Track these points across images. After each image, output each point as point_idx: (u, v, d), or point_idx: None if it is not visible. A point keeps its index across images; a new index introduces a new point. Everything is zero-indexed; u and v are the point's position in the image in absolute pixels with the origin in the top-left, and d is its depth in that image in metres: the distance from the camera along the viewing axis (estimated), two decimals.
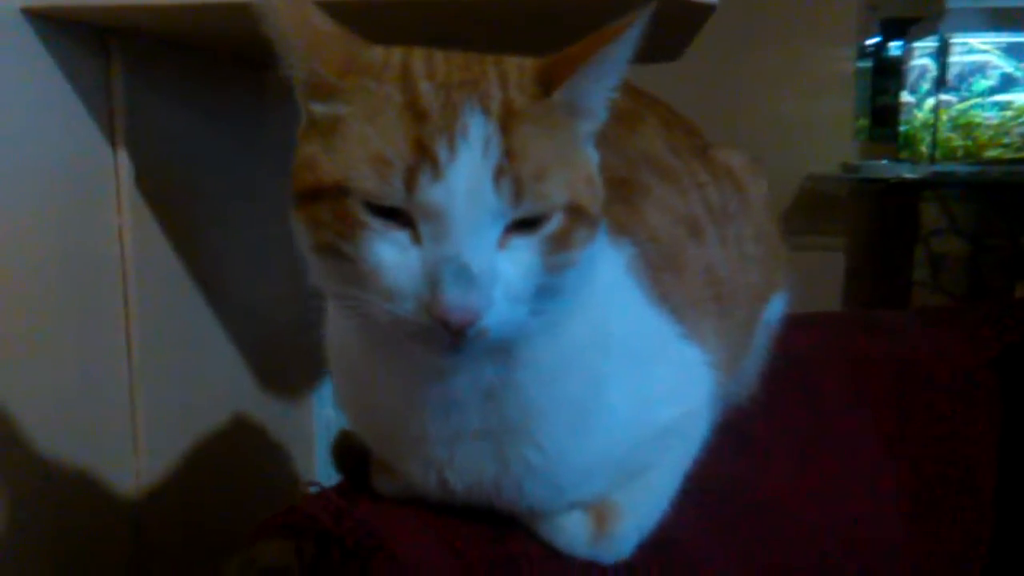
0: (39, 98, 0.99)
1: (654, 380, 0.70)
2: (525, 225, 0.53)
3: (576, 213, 0.54)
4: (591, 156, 0.59)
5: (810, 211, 2.95)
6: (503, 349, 0.58)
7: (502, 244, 0.52)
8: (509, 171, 0.51)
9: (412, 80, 0.53)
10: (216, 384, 1.23)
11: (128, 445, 1.10)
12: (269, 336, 1.36)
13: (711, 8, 0.95)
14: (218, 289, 1.22)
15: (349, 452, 0.72)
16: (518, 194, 0.51)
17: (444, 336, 0.51)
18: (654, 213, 0.76)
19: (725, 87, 2.85)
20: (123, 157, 1.09)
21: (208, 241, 1.22)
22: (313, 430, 1.55)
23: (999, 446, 1.07)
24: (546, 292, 0.54)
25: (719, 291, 0.78)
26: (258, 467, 1.34)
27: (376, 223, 0.51)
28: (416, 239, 0.52)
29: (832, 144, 2.94)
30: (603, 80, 0.56)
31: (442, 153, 0.50)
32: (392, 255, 0.52)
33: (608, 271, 0.67)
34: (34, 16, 0.96)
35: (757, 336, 0.90)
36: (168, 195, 1.14)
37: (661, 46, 1.24)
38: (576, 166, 0.56)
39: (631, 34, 0.53)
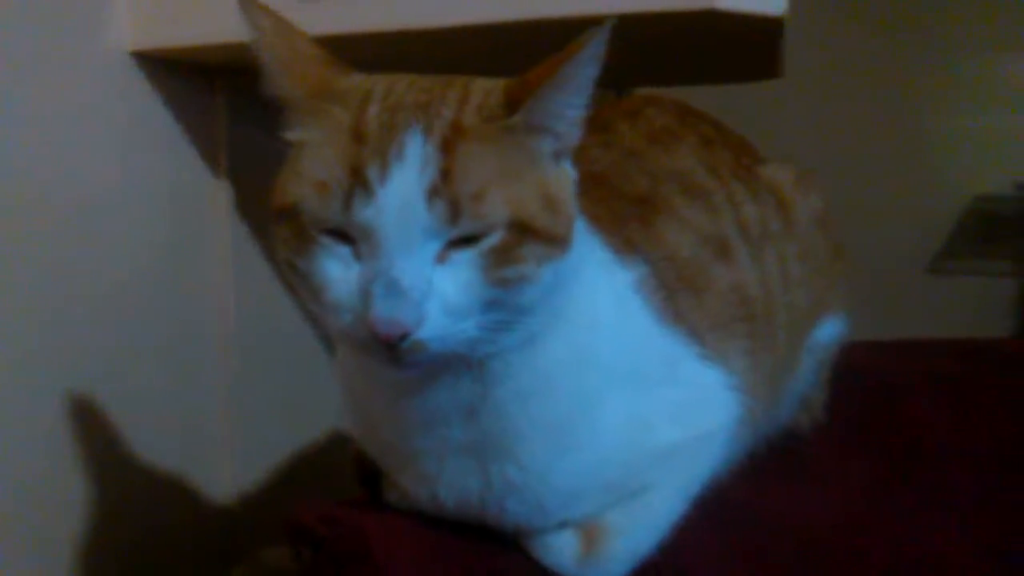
0: (149, 135, 1.09)
1: (658, 401, 0.68)
2: (466, 241, 0.53)
3: (522, 229, 0.54)
4: (563, 174, 0.59)
5: (981, 233, 2.75)
6: (476, 364, 0.59)
7: (442, 259, 0.53)
8: (444, 191, 0.52)
9: (365, 105, 0.56)
10: (311, 400, 1.30)
11: (225, 452, 1.18)
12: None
13: (779, 21, 0.92)
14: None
15: (365, 465, 0.74)
16: (454, 213, 0.52)
17: (381, 349, 0.53)
18: (675, 232, 0.74)
19: (890, 103, 2.71)
20: (225, 186, 1.18)
21: None
22: None
23: None
24: (500, 306, 0.55)
25: (749, 312, 0.76)
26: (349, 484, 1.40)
27: (325, 240, 0.54)
28: (357, 256, 0.54)
29: (1006, 162, 2.73)
30: (566, 99, 0.56)
31: (373, 174, 0.52)
32: (337, 271, 0.54)
33: (609, 289, 0.66)
34: (143, 58, 1.06)
35: (805, 359, 0.86)
36: (266, 221, 1.21)
37: (744, 64, 1.20)
38: (531, 184, 0.56)
39: (589, 53, 0.53)
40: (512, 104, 0.55)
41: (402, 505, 0.70)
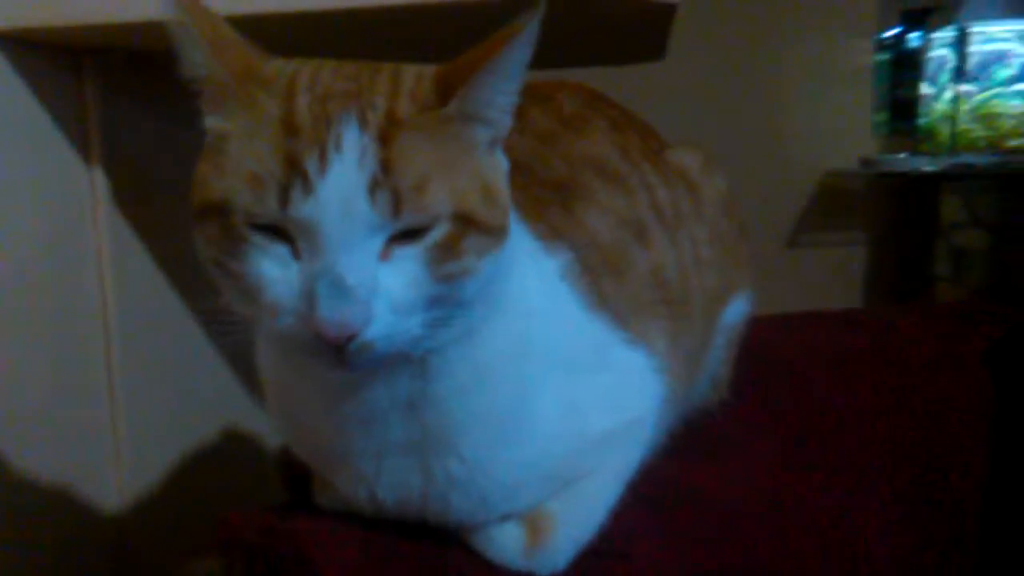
0: (11, 120, 1.00)
1: (590, 388, 0.68)
2: (409, 235, 0.52)
3: (464, 221, 0.53)
4: (496, 163, 0.58)
5: (830, 208, 2.90)
6: (415, 361, 0.58)
7: (385, 255, 0.51)
8: (385, 183, 0.50)
9: (293, 94, 0.53)
10: (203, 397, 1.24)
11: (110, 459, 1.11)
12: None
13: (673, 7, 0.93)
14: (201, 299, 1.23)
15: (291, 467, 0.71)
16: (396, 206, 0.50)
17: (327, 351, 0.51)
18: (595, 217, 0.75)
19: (741, 84, 2.82)
20: (99, 175, 1.10)
21: (189, 254, 1.22)
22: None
23: (989, 438, 1.05)
24: (442, 302, 0.53)
25: (668, 294, 0.77)
26: (249, 479, 1.34)
27: (259, 239, 0.51)
28: (296, 254, 0.51)
29: (851, 139, 2.89)
30: (500, 86, 0.55)
31: (311, 167, 0.50)
32: (274, 271, 0.52)
33: (538, 277, 0.66)
34: (3, 39, 0.98)
35: (716, 338, 0.88)
36: (146, 211, 1.15)
37: (635, 47, 1.23)
38: (468, 174, 0.54)
39: (523, 39, 0.52)
40: (445, 92, 0.54)
41: (336, 507, 0.68)
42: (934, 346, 1.08)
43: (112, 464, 1.11)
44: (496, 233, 0.56)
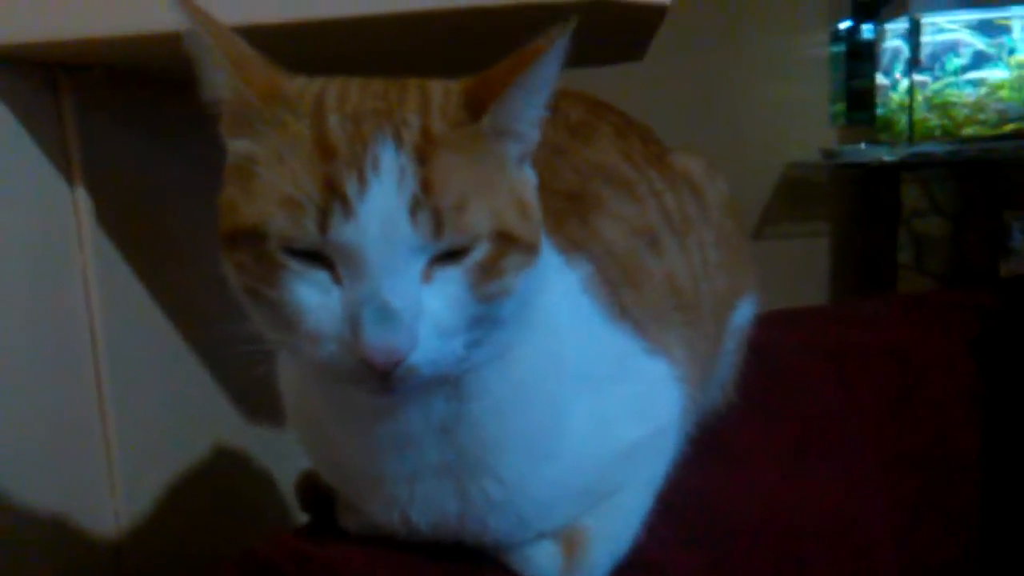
0: None
1: (616, 400, 0.68)
2: (450, 256, 0.51)
3: (505, 240, 0.52)
4: (526, 178, 0.57)
5: (792, 199, 2.94)
6: (451, 382, 0.57)
7: (427, 277, 0.51)
8: (426, 203, 0.49)
9: (322, 114, 0.52)
10: (195, 416, 1.22)
11: (104, 485, 1.08)
12: (248, 362, 1.34)
13: (663, 9, 0.93)
14: (190, 320, 1.21)
15: (314, 489, 0.70)
16: (438, 227, 0.49)
17: (372, 377, 0.50)
18: (610, 226, 0.75)
19: (699, 79, 2.85)
20: (82, 194, 1.07)
21: (176, 271, 1.20)
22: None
23: (983, 426, 1.07)
24: (482, 322, 0.53)
25: (682, 301, 0.77)
26: (244, 498, 1.32)
27: (296, 265, 0.50)
28: (337, 279, 0.50)
29: (810, 131, 2.93)
30: (531, 100, 0.54)
31: (351, 190, 0.48)
32: (314, 297, 0.50)
33: (562, 291, 0.66)
34: None
35: (727, 343, 0.89)
36: (131, 229, 1.12)
37: (619, 48, 1.22)
38: (504, 191, 0.54)
39: (556, 51, 0.52)
40: (475, 107, 0.53)
41: (365, 532, 0.67)
42: (929, 340, 1.10)
43: (107, 488, 1.09)
44: (532, 249, 0.55)
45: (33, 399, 0.99)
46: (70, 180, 1.07)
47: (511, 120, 0.54)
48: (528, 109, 0.55)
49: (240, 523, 1.26)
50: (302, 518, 0.81)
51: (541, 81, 0.53)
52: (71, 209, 1.06)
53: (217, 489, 1.23)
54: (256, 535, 0.69)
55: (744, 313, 0.91)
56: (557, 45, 0.52)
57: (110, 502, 1.08)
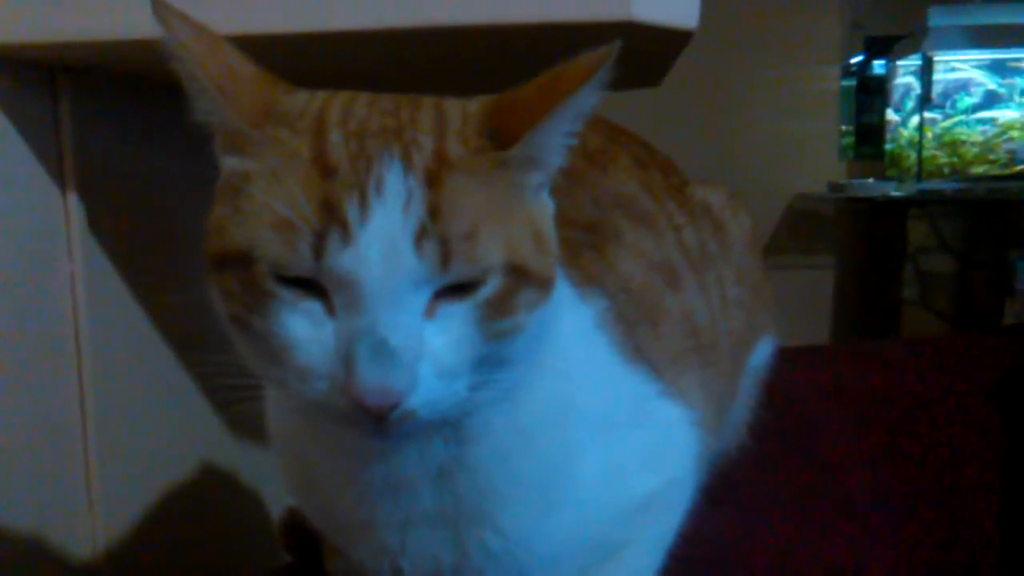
0: None
1: (629, 447, 0.64)
2: (456, 290, 0.46)
3: (518, 274, 0.48)
4: (544, 207, 0.53)
5: (798, 231, 2.92)
6: (450, 424, 0.53)
7: (430, 312, 0.46)
8: (434, 231, 0.45)
9: (324, 130, 0.48)
10: (180, 433, 1.17)
11: (83, 504, 1.04)
12: (235, 397, 1.30)
13: (689, 34, 0.90)
14: (178, 335, 1.17)
15: (299, 530, 0.66)
16: (445, 257, 0.45)
17: (365, 419, 0.45)
18: (627, 261, 0.71)
19: (710, 109, 2.83)
20: (74, 200, 1.03)
21: (167, 285, 1.16)
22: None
23: (1003, 478, 1.03)
24: (488, 361, 0.48)
25: (699, 341, 0.73)
26: (230, 519, 1.28)
27: (286, 294, 0.46)
28: (330, 311, 0.46)
29: (818, 164, 2.92)
30: (565, 130, 0.50)
31: (351, 212, 0.44)
32: (304, 329, 0.46)
33: (575, 328, 0.61)
34: None
35: (743, 384, 0.85)
36: (123, 238, 1.08)
37: (638, 73, 1.19)
38: (520, 221, 0.49)
39: (596, 82, 0.48)
40: (502, 133, 0.49)
41: None
42: (941, 383, 1.07)
43: (85, 507, 1.04)
44: (547, 284, 0.51)
45: (12, 411, 0.95)
46: (62, 186, 1.03)
47: (541, 151, 0.50)
48: (560, 139, 0.51)
49: (225, 546, 1.21)
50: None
51: (578, 111, 0.49)
52: (62, 216, 1.03)
53: (201, 510, 1.18)
54: (242, 559, 0.64)
55: (762, 354, 0.87)
56: (600, 74, 0.48)
57: (88, 522, 1.04)
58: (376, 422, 0.46)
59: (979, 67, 2.52)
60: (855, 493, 0.94)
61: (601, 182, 0.76)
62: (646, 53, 1.02)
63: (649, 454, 0.65)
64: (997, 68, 2.51)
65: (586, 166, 0.77)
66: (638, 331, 0.67)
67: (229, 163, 0.49)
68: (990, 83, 2.53)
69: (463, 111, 0.50)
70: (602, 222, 0.72)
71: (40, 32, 0.88)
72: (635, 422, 0.65)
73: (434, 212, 0.45)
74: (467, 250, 0.46)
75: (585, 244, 0.69)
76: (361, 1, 0.81)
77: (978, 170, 2.55)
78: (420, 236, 0.45)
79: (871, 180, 2.72)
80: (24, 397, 0.97)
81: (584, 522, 0.61)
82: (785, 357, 1.10)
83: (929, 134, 2.56)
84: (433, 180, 0.46)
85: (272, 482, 1.41)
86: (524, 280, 0.48)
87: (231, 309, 0.48)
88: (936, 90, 2.55)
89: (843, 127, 2.92)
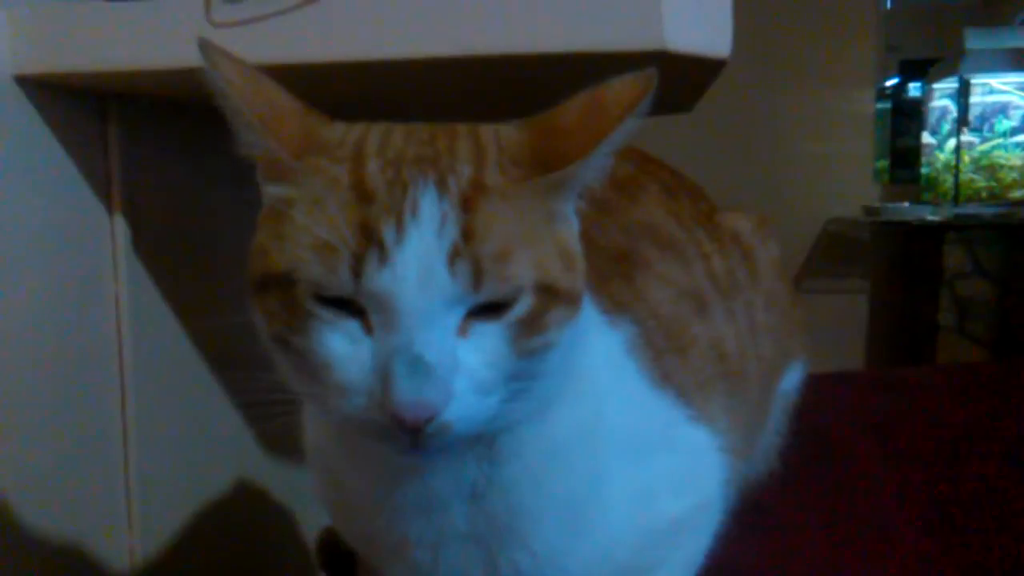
0: (33, 165, 0.97)
1: (658, 471, 0.65)
2: (489, 310, 0.48)
3: (548, 293, 0.50)
4: (571, 224, 0.55)
5: (832, 255, 2.90)
6: (484, 442, 0.54)
7: (464, 331, 0.48)
8: (466, 253, 0.47)
9: (362, 158, 0.50)
10: (218, 451, 1.20)
11: (122, 520, 1.06)
12: (274, 412, 1.32)
13: (722, 63, 0.91)
14: (219, 355, 1.19)
15: (334, 548, 0.67)
16: (477, 278, 0.47)
17: (401, 434, 0.47)
18: (656, 288, 0.72)
19: (744, 132, 2.83)
20: (120, 223, 1.07)
21: (209, 307, 1.19)
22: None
23: None
24: (521, 376, 0.50)
25: (728, 368, 0.74)
26: (265, 537, 1.30)
27: (326, 314, 0.48)
28: (368, 329, 0.48)
29: (853, 187, 2.90)
30: (603, 161, 0.52)
31: (388, 235, 0.46)
32: (343, 347, 0.48)
33: (605, 353, 0.63)
34: (28, 83, 0.95)
35: (772, 409, 0.86)
36: (167, 261, 1.11)
37: (672, 100, 1.21)
38: (549, 241, 0.51)
39: (638, 112, 0.50)
40: (542, 163, 0.51)
41: None
42: (979, 411, 1.06)
43: (124, 523, 1.07)
44: (576, 300, 0.53)
45: (57, 428, 0.98)
46: (109, 208, 1.06)
47: (578, 180, 0.52)
48: (598, 169, 0.52)
49: (258, 563, 1.23)
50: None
51: (621, 139, 0.51)
52: (108, 238, 1.06)
53: (236, 528, 1.20)
54: (276, 574, 0.66)
55: (792, 379, 0.88)
56: (642, 103, 0.50)
57: (127, 538, 1.06)
58: (412, 436, 0.47)
59: (1018, 90, 2.50)
60: (884, 521, 0.94)
61: (630, 211, 0.78)
62: (679, 81, 1.03)
63: (677, 478, 0.66)
64: None
65: (616, 196, 0.78)
66: (666, 358, 0.68)
67: (272, 191, 0.52)
68: None
69: (500, 138, 0.53)
70: (631, 251, 0.74)
71: (91, 61, 0.91)
72: (663, 447, 0.66)
73: (467, 234, 0.47)
74: (499, 270, 0.48)
75: (614, 272, 0.71)
76: (403, 31, 0.83)
77: (1016, 194, 2.52)
78: (453, 257, 0.47)
79: (907, 204, 2.70)
80: (68, 415, 1.00)
81: (613, 544, 0.62)
82: (815, 381, 1.10)
83: (966, 157, 2.54)
84: (467, 204, 0.48)
85: (305, 501, 1.43)
86: (554, 298, 0.50)
87: (273, 329, 0.50)
88: (973, 113, 2.53)
89: (878, 150, 2.91)
